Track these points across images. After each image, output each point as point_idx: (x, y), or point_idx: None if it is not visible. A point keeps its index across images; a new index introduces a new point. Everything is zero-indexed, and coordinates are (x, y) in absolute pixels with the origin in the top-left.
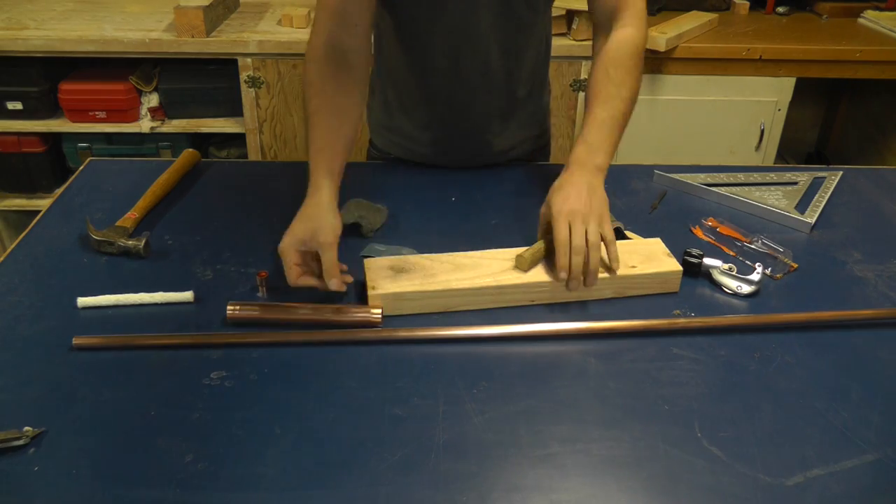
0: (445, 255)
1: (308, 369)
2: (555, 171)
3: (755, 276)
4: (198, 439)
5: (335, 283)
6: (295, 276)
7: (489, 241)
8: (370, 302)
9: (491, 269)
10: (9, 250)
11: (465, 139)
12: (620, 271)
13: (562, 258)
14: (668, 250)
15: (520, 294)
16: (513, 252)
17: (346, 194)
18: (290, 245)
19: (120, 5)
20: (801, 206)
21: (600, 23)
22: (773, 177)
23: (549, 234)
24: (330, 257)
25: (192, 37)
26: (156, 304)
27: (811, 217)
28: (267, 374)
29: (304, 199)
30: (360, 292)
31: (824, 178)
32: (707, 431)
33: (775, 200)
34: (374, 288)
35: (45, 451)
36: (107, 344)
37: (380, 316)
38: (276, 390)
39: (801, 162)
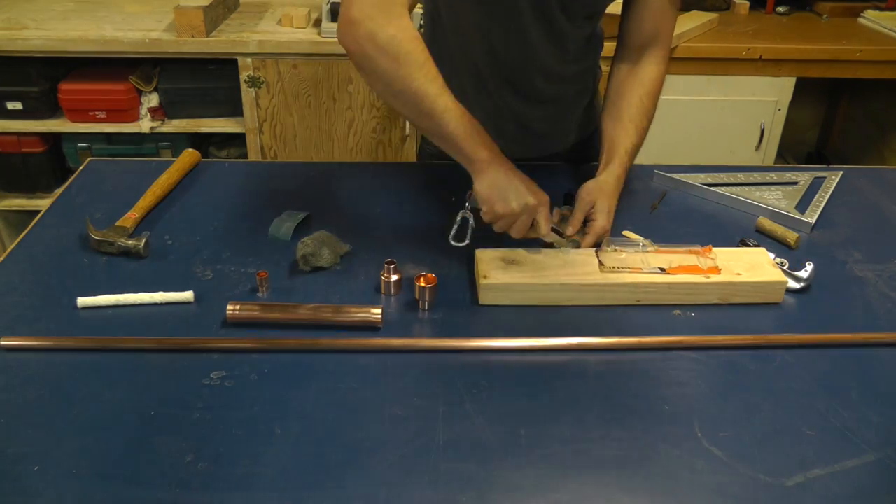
0: (555, 250)
1: (308, 369)
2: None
3: (804, 273)
4: (198, 439)
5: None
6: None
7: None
8: (481, 292)
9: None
10: (9, 250)
11: (519, 142)
12: (725, 278)
13: (588, 242)
14: (772, 261)
15: (627, 293)
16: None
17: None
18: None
19: (120, 5)
20: (801, 206)
21: (630, 45)
22: (773, 177)
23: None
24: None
25: (192, 37)
26: (156, 304)
27: (811, 217)
28: (267, 374)
29: (484, 172)
30: (446, 283)
31: (824, 178)
32: (707, 431)
33: (775, 200)
34: (485, 277)
35: (45, 451)
36: (35, 346)
37: (379, 316)
38: (276, 390)
39: (801, 162)
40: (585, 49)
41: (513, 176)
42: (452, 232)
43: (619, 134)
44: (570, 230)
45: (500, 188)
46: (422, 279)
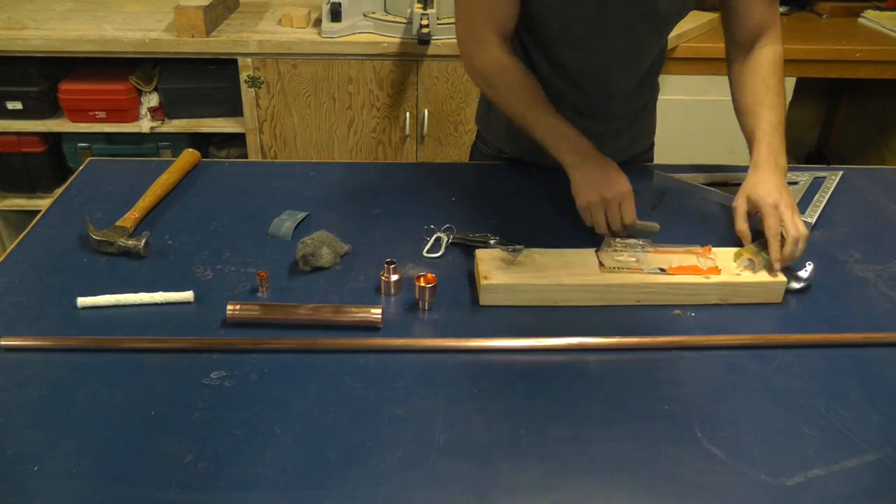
0: (555, 250)
1: (308, 369)
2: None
3: (804, 273)
4: (198, 439)
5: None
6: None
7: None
8: (481, 292)
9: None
10: (9, 250)
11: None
12: (725, 278)
13: (775, 249)
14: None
15: (627, 293)
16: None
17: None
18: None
19: (120, 5)
20: (802, 206)
21: (741, 42)
22: None
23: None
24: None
25: (192, 37)
26: (156, 304)
27: (811, 217)
28: (267, 374)
29: (571, 172)
30: (448, 284)
31: (824, 178)
32: (707, 431)
33: None
34: (486, 278)
35: (45, 451)
36: (35, 346)
37: (379, 316)
38: (276, 390)
39: (801, 162)
40: (655, 64)
41: (593, 171)
42: (427, 247)
43: (753, 122)
44: (748, 247)
45: (584, 184)
46: (422, 279)
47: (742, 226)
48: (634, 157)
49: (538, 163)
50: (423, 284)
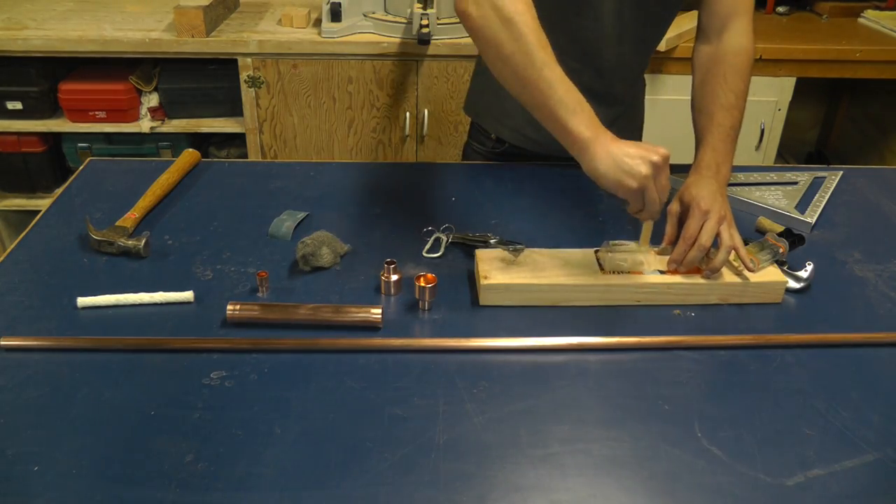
0: (555, 250)
1: (308, 369)
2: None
3: (804, 273)
4: (198, 439)
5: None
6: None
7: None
8: (481, 292)
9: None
10: (9, 250)
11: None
12: (725, 278)
13: (679, 251)
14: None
15: (627, 293)
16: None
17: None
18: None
19: (120, 5)
20: (801, 206)
21: (709, 27)
22: (773, 177)
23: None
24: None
25: (192, 37)
26: (156, 304)
27: (811, 217)
28: (267, 374)
29: (587, 150)
30: (450, 285)
31: (824, 178)
32: (707, 431)
33: (775, 200)
34: (486, 278)
35: (45, 451)
36: (35, 346)
37: (379, 316)
38: (276, 390)
39: (801, 162)
40: (649, 51)
41: (623, 145)
42: (427, 247)
43: (704, 123)
44: (662, 245)
45: (619, 162)
46: (422, 279)
47: (671, 230)
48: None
49: (531, 150)
50: (423, 284)
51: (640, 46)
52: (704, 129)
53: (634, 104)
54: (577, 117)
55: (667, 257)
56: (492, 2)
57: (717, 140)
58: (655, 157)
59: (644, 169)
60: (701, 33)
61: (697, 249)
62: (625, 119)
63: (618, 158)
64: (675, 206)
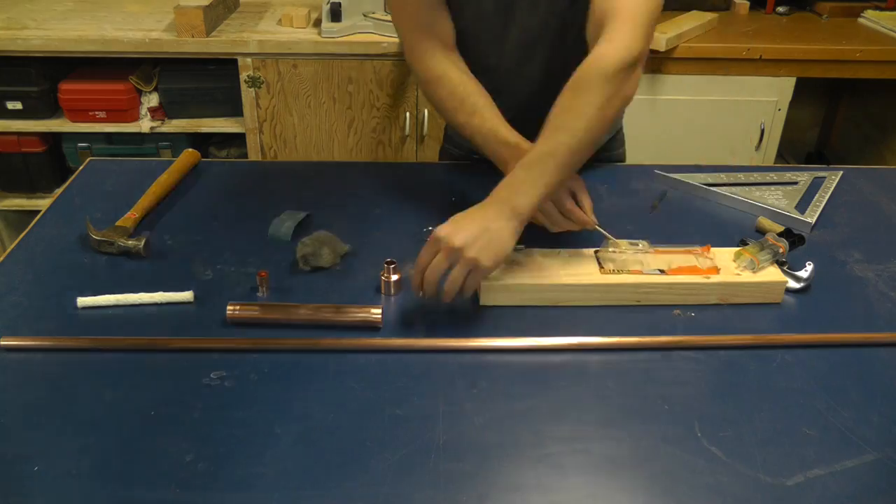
0: (555, 250)
1: (308, 369)
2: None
3: (804, 273)
4: (198, 439)
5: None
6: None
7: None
8: (481, 292)
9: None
10: (9, 250)
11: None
12: (725, 278)
13: (416, 279)
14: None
15: (627, 293)
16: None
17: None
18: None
19: (120, 5)
20: (801, 206)
21: (589, 33)
22: (773, 177)
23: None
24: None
25: (192, 37)
26: (156, 304)
27: (811, 217)
28: (267, 374)
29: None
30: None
31: (824, 178)
32: (707, 431)
33: (775, 200)
34: (486, 278)
35: (45, 451)
36: (35, 346)
37: (379, 317)
38: (276, 390)
39: (801, 162)
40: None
41: (471, 214)
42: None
43: (535, 142)
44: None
45: (463, 217)
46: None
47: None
48: (598, 156)
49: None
50: None
51: (559, 62)
52: (529, 148)
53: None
54: (510, 160)
55: (668, 257)
56: (414, 73)
57: (521, 169)
58: (452, 243)
59: (448, 236)
60: (588, 41)
61: (426, 283)
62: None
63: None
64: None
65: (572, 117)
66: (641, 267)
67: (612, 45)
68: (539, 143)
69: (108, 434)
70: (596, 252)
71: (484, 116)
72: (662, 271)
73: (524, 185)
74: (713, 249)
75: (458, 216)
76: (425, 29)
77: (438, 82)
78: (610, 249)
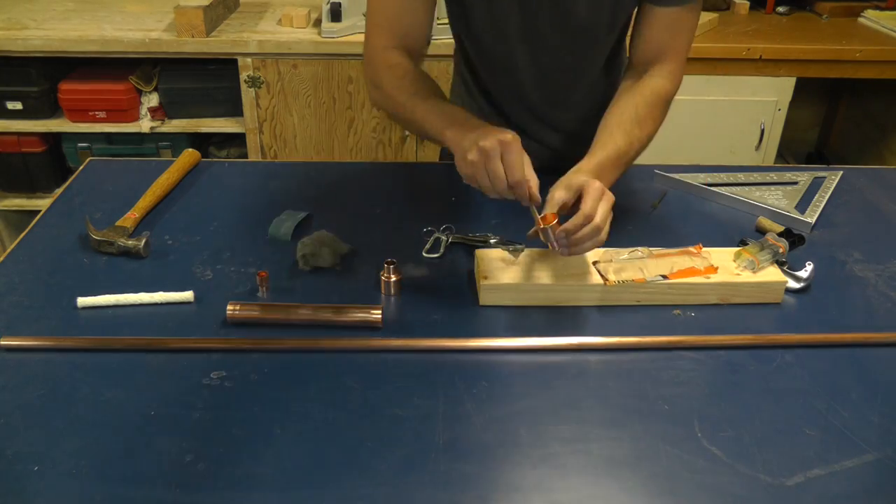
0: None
1: (308, 369)
2: None
3: (804, 273)
4: (198, 439)
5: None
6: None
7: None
8: (481, 292)
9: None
10: (9, 250)
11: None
12: (725, 278)
13: (575, 224)
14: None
15: (627, 294)
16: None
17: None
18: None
19: (120, 5)
20: (801, 206)
21: (636, 62)
22: (773, 177)
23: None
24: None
25: (192, 37)
26: (156, 304)
27: (811, 217)
28: (267, 374)
29: (454, 133)
30: (451, 284)
31: (824, 178)
32: (707, 431)
33: (775, 200)
34: (486, 278)
35: (45, 451)
36: (35, 346)
37: (379, 317)
38: (276, 390)
39: (801, 162)
40: (600, 76)
41: (468, 130)
42: (427, 247)
43: (603, 138)
44: (546, 209)
45: (456, 149)
46: (544, 219)
47: (551, 206)
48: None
49: None
50: (546, 224)
51: (545, 89)
52: (601, 144)
53: (584, 126)
54: (438, 125)
55: (666, 260)
56: (368, 79)
57: (606, 160)
58: (484, 143)
59: (472, 155)
60: (629, 70)
61: (591, 231)
62: (568, 140)
63: (456, 145)
64: (559, 193)
65: (642, 130)
66: (643, 274)
67: (672, 83)
68: (619, 137)
69: (108, 434)
70: (595, 263)
71: (427, 96)
72: (665, 277)
73: (609, 170)
74: (709, 249)
75: (582, 172)
76: (397, 35)
77: (393, 68)
78: (611, 262)
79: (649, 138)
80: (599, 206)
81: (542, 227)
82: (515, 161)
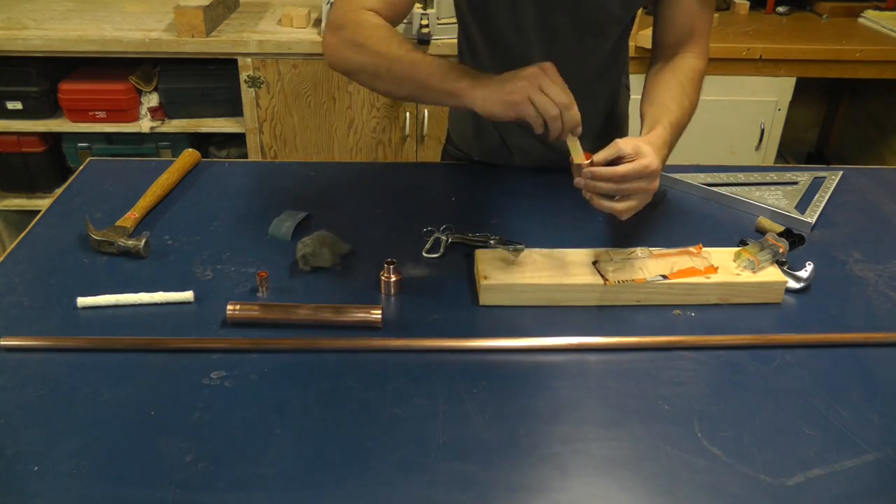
0: (555, 250)
1: (308, 369)
2: None
3: (804, 273)
4: (198, 439)
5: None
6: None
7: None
8: (481, 292)
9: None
10: (9, 250)
11: (544, 148)
12: (725, 278)
13: (627, 169)
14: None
15: (627, 294)
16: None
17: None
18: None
19: (120, 5)
20: (801, 206)
21: (666, 43)
22: (773, 177)
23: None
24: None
25: (192, 37)
26: (156, 304)
27: (811, 217)
28: (267, 374)
29: (472, 94)
30: (452, 284)
31: (824, 178)
32: (707, 431)
33: (775, 200)
34: (486, 278)
35: (45, 451)
36: (35, 346)
37: (379, 317)
38: (276, 390)
39: (801, 162)
40: (600, 74)
41: (498, 76)
42: (427, 247)
43: (657, 112)
44: (598, 157)
45: (498, 87)
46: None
47: (605, 153)
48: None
49: (505, 164)
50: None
51: (580, 63)
52: (659, 115)
53: (608, 121)
54: (450, 76)
55: (666, 260)
56: (339, 32)
57: (665, 128)
58: (530, 69)
59: (521, 82)
60: (658, 49)
61: (639, 189)
62: (608, 123)
63: (496, 85)
64: (624, 144)
65: (692, 100)
66: (643, 274)
67: (703, 61)
68: (677, 111)
69: (108, 434)
70: (595, 263)
71: (425, 52)
72: (665, 277)
73: (667, 144)
74: (709, 249)
75: (642, 141)
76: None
77: (378, 27)
78: (610, 262)
79: (693, 111)
80: (656, 181)
81: (576, 163)
82: (560, 83)
